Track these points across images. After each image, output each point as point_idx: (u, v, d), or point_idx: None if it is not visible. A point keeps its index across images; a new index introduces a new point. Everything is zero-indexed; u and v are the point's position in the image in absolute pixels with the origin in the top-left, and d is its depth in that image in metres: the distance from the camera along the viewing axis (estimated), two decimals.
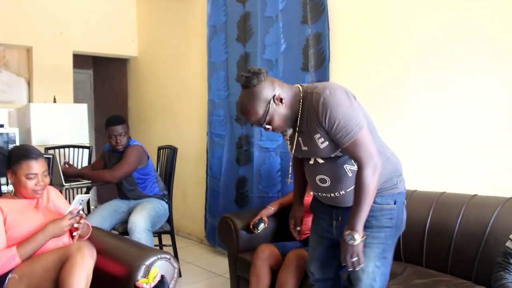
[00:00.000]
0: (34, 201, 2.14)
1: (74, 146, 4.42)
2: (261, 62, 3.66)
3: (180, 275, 3.54)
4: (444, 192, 2.52)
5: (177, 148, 3.66)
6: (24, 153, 2.07)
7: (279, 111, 1.75)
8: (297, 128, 1.79)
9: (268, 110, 1.73)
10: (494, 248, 2.18)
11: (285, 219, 2.78)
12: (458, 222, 2.33)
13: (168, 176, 3.64)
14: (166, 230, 3.52)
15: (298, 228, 2.22)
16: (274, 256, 2.60)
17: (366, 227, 1.74)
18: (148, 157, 3.43)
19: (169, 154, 3.71)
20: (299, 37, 3.40)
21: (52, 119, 4.71)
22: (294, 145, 1.87)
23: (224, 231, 3.01)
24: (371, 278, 1.80)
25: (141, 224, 3.06)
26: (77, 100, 5.85)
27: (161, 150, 3.87)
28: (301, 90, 1.80)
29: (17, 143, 4.24)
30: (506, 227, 2.17)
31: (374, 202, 1.74)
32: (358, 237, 1.70)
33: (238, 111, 3.98)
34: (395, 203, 1.83)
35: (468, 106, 2.59)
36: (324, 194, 1.89)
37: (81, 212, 2.04)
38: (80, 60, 6.08)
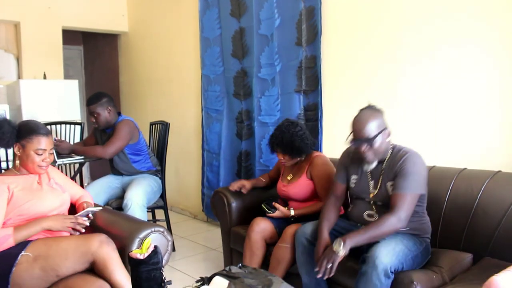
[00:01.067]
0: (37, 177, 2.15)
1: (66, 123, 4.40)
2: (257, 37, 3.64)
3: (174, 249, 3.59)
4: (434, 166, 2.55)
5: (169, 124, 3.66)
6: (35, 128, 2.08)
7: (384, 141, 2.13)
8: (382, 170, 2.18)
9: (379, 134, 2.08)
10: (482, 220, 2.23)
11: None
12: (448, 195, 2.37)
13: (160, 151, 3.65)
14: (159, 205, 3.55)
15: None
16: (269, 229, 2.63)
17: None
18: (140, 132, 3.43)
19: (161, 130, 3.71)
20: (293, 11, 3.38)
21: (42, 96, 4.66)
22: (359, 185, 2.26)
23: (218, 205, 3.04)
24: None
25: (137, 200, 3.08)
26: (67, 77, 5.78)
27: (153, 126, 3.87)
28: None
29: None
30: (494, 200, 2.22)
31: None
32: (342, 249, 1.99)
33: (236, 86, 4.00)
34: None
35: (457, 77, 2.60)
36: (362, 225, 2.19)
37: (87, 222, 2.08)
38: (70, 36, 5.99)
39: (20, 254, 1.82)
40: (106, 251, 1.85)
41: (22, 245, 1.86)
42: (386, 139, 2.15)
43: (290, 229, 2.50)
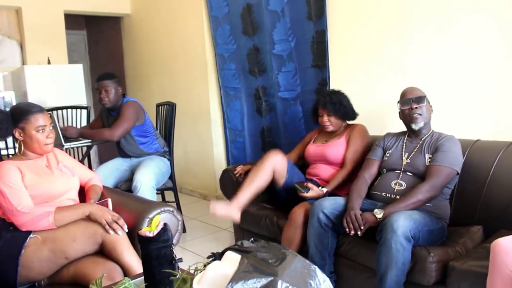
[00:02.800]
0: (45, 160, 2.12)
1: (72, 107, 4.38)
2: (267, 14, 3.60)
3: (184, 230, 3.59)
4: None
5: (175, 104, 3.62)
6: (27, 107, 2.04)
7: (429, 110, 2.34)
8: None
9: (426, 97, 2.31)
10: (496, 193, 2.20)
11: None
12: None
13: (168, 132, 3.62)
14: (168, 186, 3.53)
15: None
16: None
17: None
18: (145, 113, 3.40)
19: (168, 111, 3.67)
20: None
21: (47, 81, 4.66)
22: (392, 157, 2.38)
23: (227, 185, 3.02)
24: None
25: (146, 182, 3.06)
26: (72, 62, 5.74)
27: (160, 107, 3.83)
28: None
29: None
30: (509, 171, 2.19)
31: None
32: (380, 213, 2.10)
33: (250, 63, 3.97)
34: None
35: (467, 47, 2.53)
36: (388, 195, 2.28)
37: (120, 231, 1.91)
38: (73, 21, 5.92)
39: (29, 237, 1.81)
40: (114, 233, 1.84)
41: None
42: (431, 110, 2.35)
43: (299, 210, 2.48)
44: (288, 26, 3.49)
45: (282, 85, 3.68)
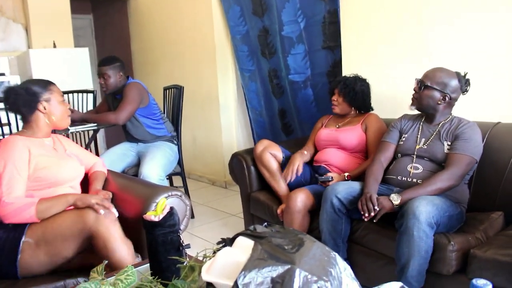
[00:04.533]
0: (51, 142, 2.04)
1: (78, 91, 4.30)
2: None
3: (193, 216, 3.52)
4: None
5: (183, 87, 3.52)
6: (47, 81, 2.01)
7: (434, 100, 2.18)
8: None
9: (433, 88, 2.16)
10: None
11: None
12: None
13: (176, 116, 3.53)
14: (176, 171, 3.46)
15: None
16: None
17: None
18: (149, 95, 3.31)
19: (175, 94, 3.58)
20: None
21: (53, 65, 4.60)
22: (407, 141, 2.28)
23: (236, 169, 2.93)
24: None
25: (153, 175, 2.96)
26: (78, 46, 5.65)
27: (167, 91, 3.74)
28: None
29: None
30: None
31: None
32: (397, 199, 2.01)
33: (261, 45, 3.87)
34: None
35: (487, 27, 2.41)
36: (404, 178, 2.18)
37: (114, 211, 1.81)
38: (79, 5, 5.84)
39: (21, 241, 1.69)
40: (105, 226, 1.68)
41: (20, 230, 1.72)
42: (439, 101, 2.18)
43: (294, 195, 2.43)
44: (298, 7, 3.36)
45: (292, 68, 3.57)
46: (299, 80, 3.55)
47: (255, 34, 3.88)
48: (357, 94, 2.68)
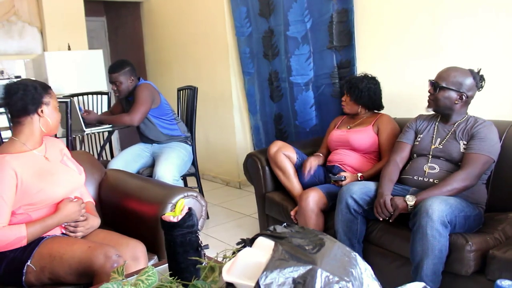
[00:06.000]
0: (43, 151, 1.85)
1: (92, 93, 4.34)
2: None
3: (207, 216, 3.53)
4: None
5: (197, 88, 3.53)
6: (45, 83, 1.87)
7: (451, 99, 2.15)
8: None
9: (448, 88, 2.14)
10: None
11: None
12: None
13: (190, 117, 3.54)
14: (191, 172, 3.47)
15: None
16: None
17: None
18: (160, 95, 3.32)
19: (189, 95, 3.59)
20: None
21: (68, 67, 4.65)
22: (423, 141, 2.26)
23: (251, 170, 2.93)
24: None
25: (168, 176, 2.98)
26: (92, 49, 5.71)
27: (181, 92, 3.76)
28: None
29: None
30: None
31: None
32: (412, 200, 2.00)
33: (264, 47, 3.85)
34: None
35: (503, 24, 2.37)
36: (420, 178, 2.17)
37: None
38: (92, 8, 5.89)
39: (26, 265, 1.67)
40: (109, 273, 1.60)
41: (28, 253, 1.69)
42: (456, 101, 2.16)
43: (304, 195, 2.43)
44: (305, 6, 3.33)
45: (294, 69, 3.52)
46: (301, 81, 3.51)
47: (259, 36, 3.86)
48: (363, 92, 2.67)
